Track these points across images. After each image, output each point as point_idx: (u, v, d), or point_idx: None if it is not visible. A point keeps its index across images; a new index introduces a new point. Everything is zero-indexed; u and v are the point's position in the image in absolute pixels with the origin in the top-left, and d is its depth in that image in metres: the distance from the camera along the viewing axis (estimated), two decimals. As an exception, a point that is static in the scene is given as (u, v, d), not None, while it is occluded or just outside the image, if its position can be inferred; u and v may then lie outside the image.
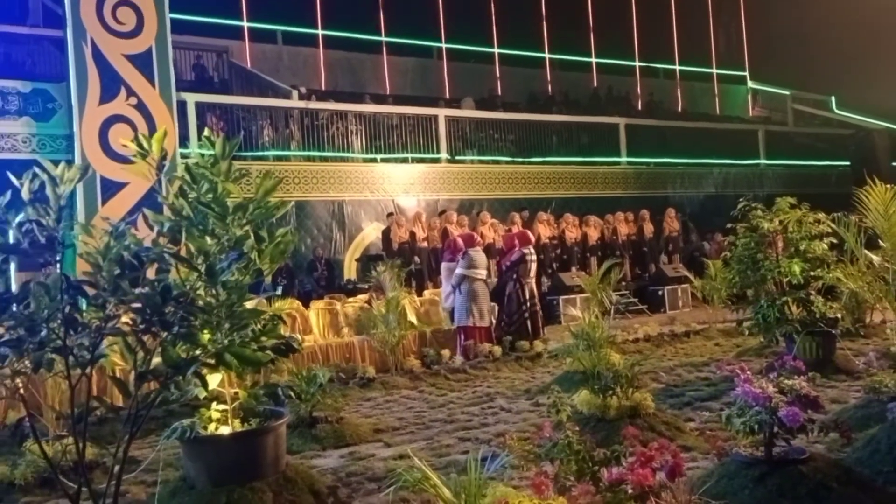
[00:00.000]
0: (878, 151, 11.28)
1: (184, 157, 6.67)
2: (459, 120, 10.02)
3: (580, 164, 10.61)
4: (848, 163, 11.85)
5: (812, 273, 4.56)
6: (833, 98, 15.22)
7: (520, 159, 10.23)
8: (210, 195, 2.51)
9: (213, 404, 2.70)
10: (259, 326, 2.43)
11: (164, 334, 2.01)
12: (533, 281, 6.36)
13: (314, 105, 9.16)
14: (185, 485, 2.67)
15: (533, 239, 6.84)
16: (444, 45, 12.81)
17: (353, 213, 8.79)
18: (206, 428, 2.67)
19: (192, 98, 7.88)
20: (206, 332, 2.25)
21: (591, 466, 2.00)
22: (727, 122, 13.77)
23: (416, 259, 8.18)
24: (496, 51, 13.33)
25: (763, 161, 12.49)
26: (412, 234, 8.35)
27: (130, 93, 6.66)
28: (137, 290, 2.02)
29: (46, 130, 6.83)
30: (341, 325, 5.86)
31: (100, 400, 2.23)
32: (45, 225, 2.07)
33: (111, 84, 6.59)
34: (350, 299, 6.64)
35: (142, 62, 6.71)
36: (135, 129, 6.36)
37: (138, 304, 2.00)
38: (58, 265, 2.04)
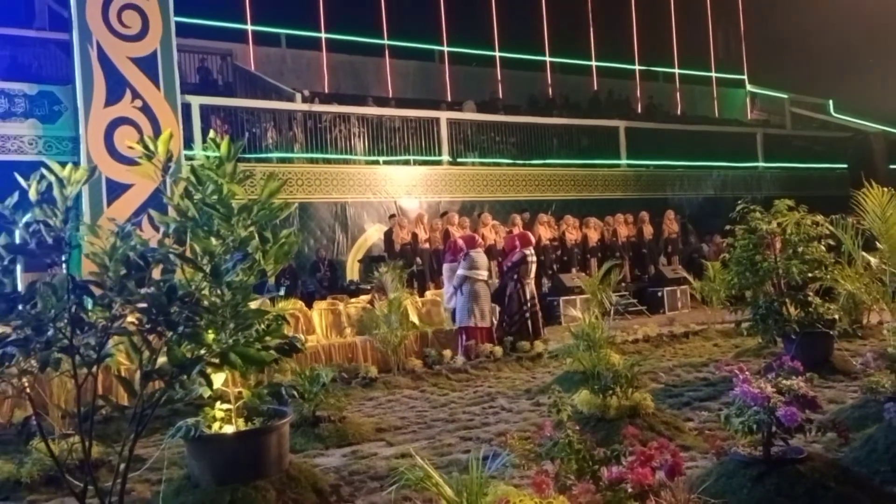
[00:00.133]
0: (875, 154, 11.34)
1: (188, 159, 6.71)
2: (461, 122, 10.07)
3: (580, 167, 10.65)
4: (845, 166, 11.93)
5: (810, 274, 4.59)
6: (831, 102, 15.28)
7: (521, 162, 10.27)
8: (215, 196, 2.54)
9: (218, 403, 2.73)
10: (263, 326, 2.46)
11: (170, 334, 2.04)
12: (533, 282, 6.39)
13: (317, 108, 9.20)
14: (190, 483, 2.69)
15: (533, 240, 6.88)
16: (445, 49, 12.87)
17: (356, 214, 8.82)
18: (210, 427, 2.70)
19: (196, 101, 7.94)
20: (210, 331, 2.28)
21: (591, 465, 2.02)
22: (726, 126, 13.80)
23: (418, 260, 8.21)
24: (497, 54, 13.39)
25: (761, 164, 12.53)
26: (414, 236, 8.38)
27: (136, 95, 6.70)
28: (143, 291, 2.05)
29: (52, 132, 6.88)
30: (344, 326, 5.89)
31: (105, 399, 2.25)
32: (53, 226, 2.10)
33: (116, 87, 6.63)
34: (353, 300, 6.67)
35: (147, 65, 6.76)
36: (140, 131, 6.39)
37: (144, 304, 2.03)
38: (64, 265, 2.07)
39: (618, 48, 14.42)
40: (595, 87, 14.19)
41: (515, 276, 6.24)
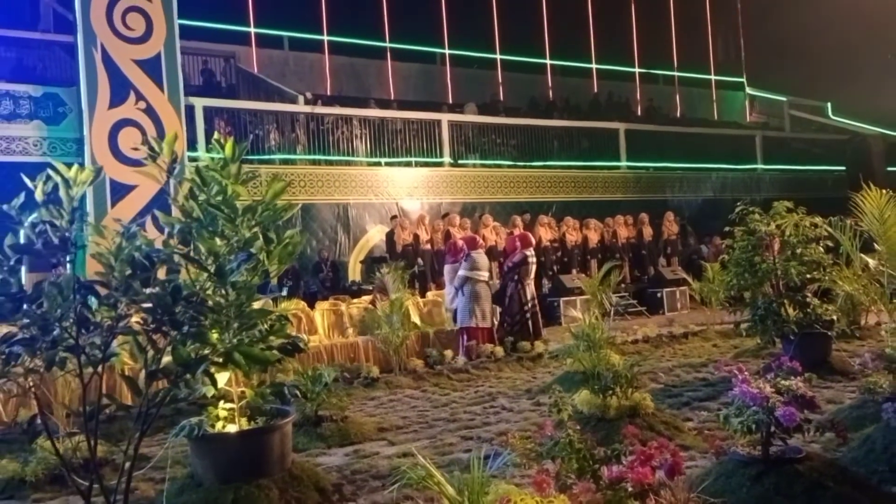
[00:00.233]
0: (873, 157, 11.36)
1: (192, 160, 6.74)
2: (462, 125, 10.10)
3: (580, 169, 10.68)
4: (844, 168, 11.93)
5: (808, 276, 4.61)
6: (829, 104, 15.35)
7: (521, 163, 10.30)
8: (219, 197, 2.56)
9: (221, 403, 2.74)
10: (266, 326, 2.48)
11: (175, 333, 2.06)
12: (533, 282, 6.41)
13: (320, 110, 9.24)
14: (193, 482, 2.71)
15: (534, 241, 6.90)
16: (447, 52, 12.92)
17: (358, 215, 8.85)
18: (213, 426, 2.72)
19: (199, 102, 7.97)
20: (215, 331, 2.30)
21: (591, 465, 2.03)
22: (725, 128, 13.83)
23: (420, 261, 8.24)
24: (498, 57, 13.43)
25: (760, 166, 12.56)
26: (415, 237, 8.41)
27: (139, 97, 6.74)
28: (148, 291, 2.06)
29: (57, 134, 6.92)
30: (346, 326, 5.92)
31: (110, 398, 2.27)
32: (59, 226, 2.13)
33: (121, 88, 6.67)
34: (354, 300, 6.70)
35: (151, 67, 6.80)
36: (144, 132, 6.43)
37: (149, 304, 2.05)
38: (70, 265, 2.09)
39: (618, 51, 14.46)
40: (595, 90, 14.23)
41: (516, 277, 6.26)
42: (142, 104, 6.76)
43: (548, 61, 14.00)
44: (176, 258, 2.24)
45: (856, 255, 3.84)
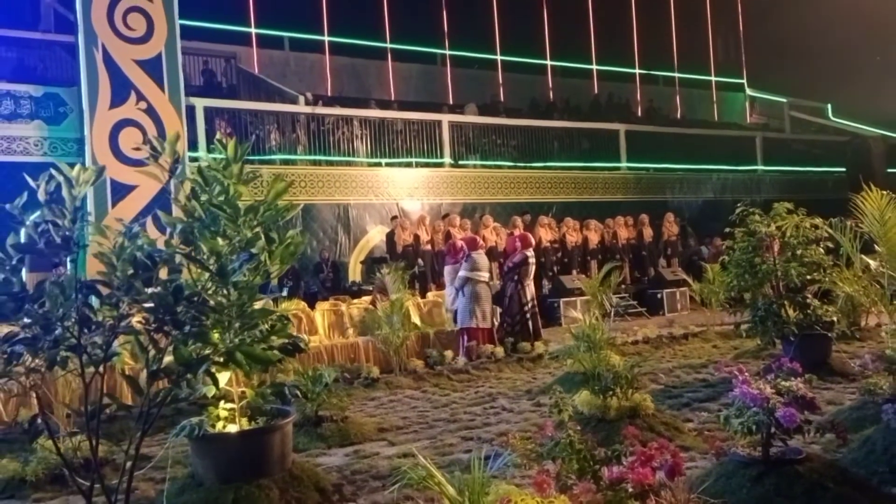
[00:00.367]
0: (873, 158, 11.37)
1: (192, 160, 6.75)
2: (462, 125, 10.11)
3: (581, 170, 10.69)
4: (844, 169, 11.94)
5: (809, 277, 4.61)
6: (829, 106, 15.37)
7: (521, 164, 10.31)
8: (221, 197, 2.57)
9: (221, 403, 2.75)
10: (267, 326, 2.49)
11: (176, 333, 2.06)
12: (532, 283, 6.42)
13: (320, 110, 9.25)
14: (194, 482, 2.71)
15: (534, 242, 6.91)
16: (447, 52, 12.94)
17: (358, 216, 8.86)
18: (214, 426, 2.72)
19: (200, 103, 7.98)
20: (216, 331, 2.30)
21: (592, 465, 2.04)
22: (725, 129, 13.84)
23: (420, 261, 8.25)
24: (499, 58, 13.45)
25: (760, 167, 12.57)
26: (416, 237, 8.41)
27: (140, 97, 6.74)
28: (150, 290, 2.07)
29: (58, 134, 6.92)
30: (346, 326, 5.92)
31: (112, 397, 2.27)
32: (61, 225, 2.13)
33: (121, 89, 6.67)
34: (355, 301, 6.71)
35: (152, 67, 6.80)
36: (144, 133, 6.42)
37: (151, 304, 2.05)
38: (72, 265, 2.09)
39: (618, 52, 14.48)
40: (595, 91, 14.25)
41: (515, 278, 6.27)
42: (143, 104, 6.76)
43: (548, 62, 14.02)
44: (178, 258, 2.25)
45: (856, 257, 3.84)
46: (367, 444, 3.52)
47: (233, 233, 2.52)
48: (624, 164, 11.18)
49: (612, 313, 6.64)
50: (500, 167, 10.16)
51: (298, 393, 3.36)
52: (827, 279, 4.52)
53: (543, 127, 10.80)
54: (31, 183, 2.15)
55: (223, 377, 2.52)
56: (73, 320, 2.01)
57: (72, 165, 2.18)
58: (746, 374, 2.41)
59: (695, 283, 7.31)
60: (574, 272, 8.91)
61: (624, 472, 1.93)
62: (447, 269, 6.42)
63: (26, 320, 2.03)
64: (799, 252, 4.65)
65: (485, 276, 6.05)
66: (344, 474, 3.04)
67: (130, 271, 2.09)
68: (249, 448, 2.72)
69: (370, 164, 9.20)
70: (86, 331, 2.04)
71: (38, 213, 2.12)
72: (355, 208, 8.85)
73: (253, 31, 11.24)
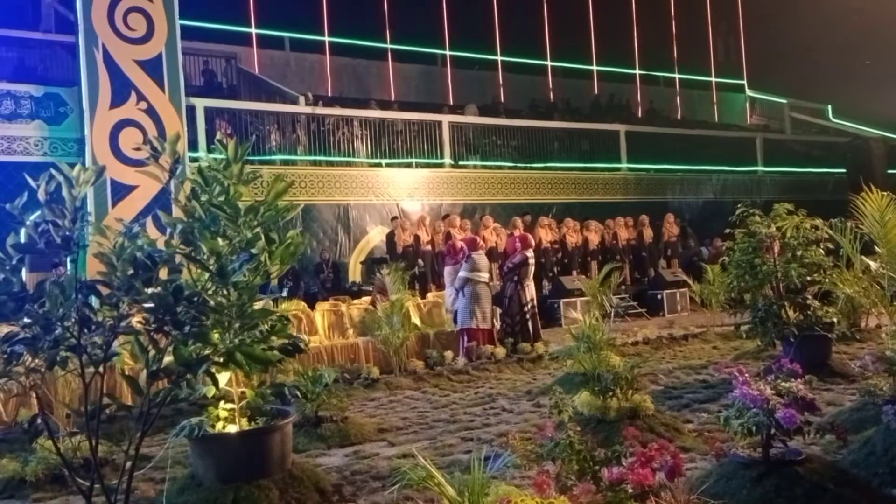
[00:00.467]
0: (873, 159, 11.38)
1: (193, 160, 6.76)
2: (463, 126, 10.12)
3: (581, 170, 10.70)
4: (844, 170, 11.94)
5: (809, 278, 4.61)
6: (830, 107, 15.37)
7: (522, 165, 10.32)
8: (222, 197, 2.57)
9: (221, 403, 2.75)
10: (267, 327, 2.49)
11: (176, 333, 2.06)
12: (532, 284, 6.43)
13: (320, 110, 9.27)
14: (194, 482, 2.71)
15: (534, 243, 6.91)
16: (448, 53, 12.96)
17: (359, 216, 8.87)
18: (213, 426, 2.72)
19: (200, 103, 7.99)
20: (216, 331, 2.30)
21: (592, 466, 2.04)
22: (725, 130, 13.85)
23: (420, 262, 8.25)
24: (499, 58, 13.47)
25: (761, 168, 12.57)
26: (416, 238, 8.42)
27: (141, 97, 6.75)
28: (150, 290, 2.06)
29: (58, 134, 6.93)
30: (346, 327, 5.92)
31: (112, 398, 2.27)
32: (61, 225, 2.13)
33: (122, 89, 6.68)
34: (355, 301, 6.72)
35: (152, 67, 6.81)
36: (145, 133, 6.45)
37: (151, 304, 2.05)
38: (72, 265, 2.09)
39: (619, 53, 14.50)
40: (596, 91, 14.26)
41: (515, 278, 6.27)
42: (143, 104, 6.77)
43: (549, 63, 14.04)
44: (178, 258, 2.25)
45: (856, 258, 3.84)
46: (366, 445, 3.52)
47: (233, 233, 2.52)
48: (624, 165, 11.19)
49: (612, 314, 6.64)
50: (500, 168, 10.17)
51: (298, 393, 3.37)
52: (827, 280, 4.51)
53: (544, 128, 10.81)
54: (32, 183, 2.15)
55: (223, 377, 2.52)
56: (73, 320, 2.01)
57: (72, 165, 2.18)
58: (746, 375, 2.41)
59: (695, 284, 7.31)
60: (574, 273, 8.91)
61: (624, 472, 1.93)
62: (447, 270, 6.43)
63: (26, 320, 2.03)
64: (799, 253, 4.65)
65: (485, 276, 6.05)
66: (344, 475, 3.04)
67: (130, 271, 2.09)
68: (249, 448, 2.72)
69: (370, 165, 9.21)
70: (86, 331, 2.03)
71: (38, 213, 2.12)
72: (355, 209, 8.86)
73: (253, 31, 11.26)
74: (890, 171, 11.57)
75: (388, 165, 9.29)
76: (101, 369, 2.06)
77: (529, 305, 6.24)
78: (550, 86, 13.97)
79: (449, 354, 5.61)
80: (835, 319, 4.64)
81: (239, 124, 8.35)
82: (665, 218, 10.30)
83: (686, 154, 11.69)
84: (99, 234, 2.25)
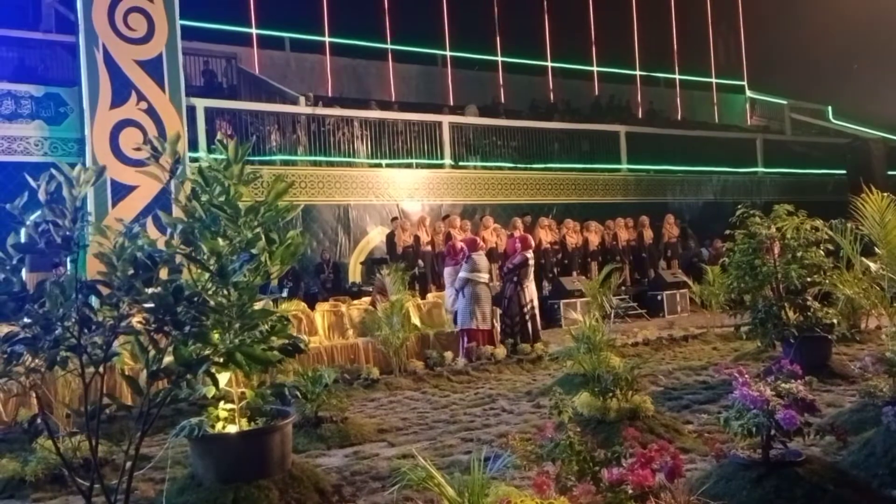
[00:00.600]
0: (873, 160, 11.39)
1: (193, 161, 6.76)
2: (463, 126, 10.13)
3: (581, 171, 10.71)
4: (844, 171, 11.95)
5: (809, 279, 4.61)
6: (830, 108, 15.39)
7: (522, 165, 10.33)
8: (222, 198, 2.57)
9: (221, 403, 2.75)
10: (267, 327, 2.49)
11: (176, 333, 2.06)
12: (532, 284, 6.43)
13: (321, 111, 9.27)
14: (194, 482, 2.71)
15: (534, 243, 6.92)
16: (448, 53, 12.97)
17: (359, 217, 8.88)
18: (213, 426, 2.72)
19: (201, 103, 8.00)
20: (216, 331, 2.30)
21: (591, 467, 2.04)
22: (726, 131, 13.86)
23: (420, 262, 8.26)
24: (499, 59, 13.48)
25: (761, 169, 12.59)
26: (416, 238, 8.42)
27: (141, 98, 6.75)
28: (150, 290, 2.06)
29: (58, 134, 6.94)
30: (346, 327, 5.93)
31: (112, 398, 2.27)
32: (61, 225, 2.13)
33: (122, 89, 6.68)
34: (355, 301, 6.72)
35: (152, 68, 6.81)
36: (145, 133, 6.45)
37: (151, 304, 2.05)
38: (73, 265, 2.09)
39: (619, 53, 14.52)
40: (596, 92, 14.28)
41: (515, 279, 6.27)
42: (143, 105, 6.77)
43: (549, 63, 14.06)
44: (178, 258, 2.25)
45: (856, 259, 3.84)
46: (366, 445, 3.52)
47: (233, 233, 2.52)
48: (624, 166, 11.19)
49: (612, 315, 6.64)
50: (500, 168, 10.18)
51: (298, 394, 3.37)
52: (827, 281, 4.52)
53: (544, 128, 10.82)
54: (32, 183, 2.15)
55: (223, 377, 2.52)
56: (73, 320, 2.01)
57: (72, 165, 2.18)
58: (746, 376, 2.41)
59: (695, 285, 7.32)
60: (574, 274, 8.93)
61: (624, 473, 1.93)
62: (447, 271, 6.43)
63: (26, 320, 2.03)
64: (799, 254, 4.65)
65: (485, 277, 6.06)
66: (343, 475, 3.04)
67: (131, 271, 2.09)
68: (249, 448, 2.72)
69: (370, 165, 9.22)
70: (86, 331, 2.04)
71: (38, 213, 2.12)
72: (355, 209, 8.86)
73: (254, 31, 11.28)
74: (890, 173, 11.58)
75: (388, 166, 9.30)
76: (101, 369, 2.07)
77: (529, 306, 6.25)
78: (550, 86, 13.99)
79: (449, 355, 5.61)
80: (835, 321, 4.64)
81: (239, 124, 8.36)
82: (665, 219, 10.30)
83: (686, 155, 11.69)
84: (99, 234, 2.25)
